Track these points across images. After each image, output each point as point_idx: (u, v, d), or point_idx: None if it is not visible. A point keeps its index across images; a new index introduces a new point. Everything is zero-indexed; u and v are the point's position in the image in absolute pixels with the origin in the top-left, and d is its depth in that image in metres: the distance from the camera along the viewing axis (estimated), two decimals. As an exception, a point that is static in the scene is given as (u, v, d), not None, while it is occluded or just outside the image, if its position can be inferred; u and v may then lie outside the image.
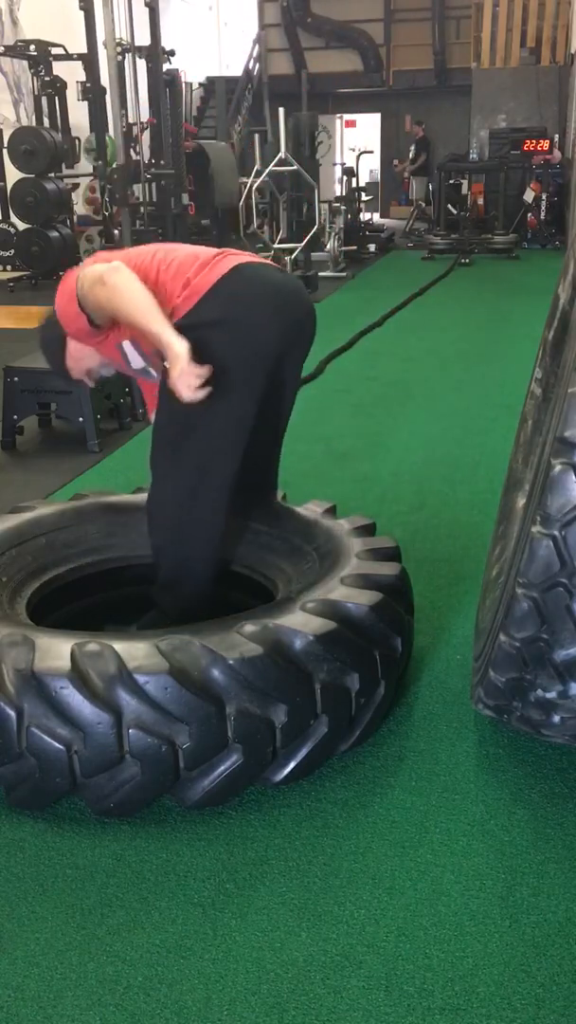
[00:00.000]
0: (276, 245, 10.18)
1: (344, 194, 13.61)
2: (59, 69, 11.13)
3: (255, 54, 18.75)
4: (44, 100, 11.19)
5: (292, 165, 10.43)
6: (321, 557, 2.56)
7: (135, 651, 2.06)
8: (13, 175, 10.55)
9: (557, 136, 15.01)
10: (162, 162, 11.71)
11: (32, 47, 10.99)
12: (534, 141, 14.65)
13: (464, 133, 16.73)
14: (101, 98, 10.89)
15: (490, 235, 13.36)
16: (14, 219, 10.82)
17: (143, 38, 11.36)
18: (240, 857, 1.98)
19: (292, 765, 2.13)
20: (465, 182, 14.69)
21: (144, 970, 1.71)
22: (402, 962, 1.72)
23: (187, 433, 2.40)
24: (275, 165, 10.43)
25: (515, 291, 9.94)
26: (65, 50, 10.99)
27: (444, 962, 1.72)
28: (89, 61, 10.72)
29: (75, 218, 11.86)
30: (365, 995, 1.65)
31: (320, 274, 10.61)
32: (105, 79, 10.58)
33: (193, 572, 2.50)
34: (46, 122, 11.18)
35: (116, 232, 11.10)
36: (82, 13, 10.47)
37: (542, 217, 13.92)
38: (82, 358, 2.57)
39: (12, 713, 1.99)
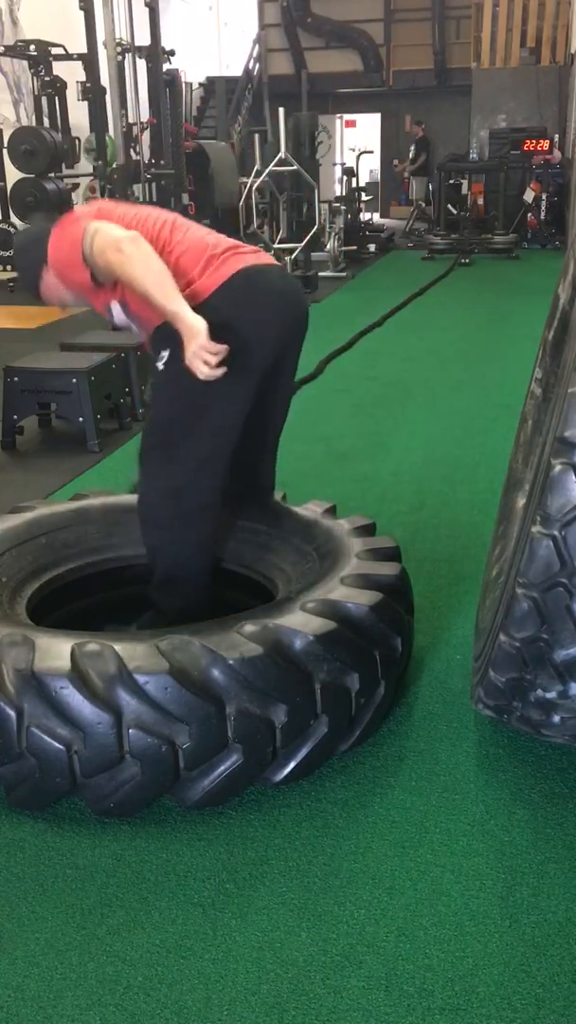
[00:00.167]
0: (276, 245, 10.18)
1: (344, 194, 13.61)
2: (59, 69, 11.13)
3: (255, 54, 18.75)
4: (44, 100, 11.19)
5: (292, 165, 10.42)
6: (321, 557, 2.56)
7: (135, 651, 2.06)
8: (13, 175, 10.56)
9: (557, 136, 15.00)
10: (162, 162, 11.71)
11: (32, 47, 10.98)
12: (534, 141, 14.64)
13: (464, 133, 16.72)
14: (101, 98, 10.89)
15: (490, 235, 13.36)
16: (14, 219, 10.82)
17: (143, 38, 11.36)
18: (240, 857, 1.99)
19: (292, 765, 2.13)
20: (465, 182, 14.68)
21: (144, 970, 1.71)
22: (402, 962, 1.72)
23: (180, 434, 2.41)
24: (275, 165, 10.43)
25: (515, 291, 9.94)
26: (65, 50, 10.99)
27: (444, 962, 1.72)
28: (89, 61, 10.71)
29: (75, 218, 11.83)
30: (365, 995, 1.65)
31: (320, 274, 10.61)
32: (105, 79, 10.59)
33: (188, 571, 2.51)
34: (46, 122, 11.18)
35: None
36: (82, 13, 10.46)
37: (542, 217, 13.91)
38: (59, 291, 2.56)
39: (12, 713, 2.00)
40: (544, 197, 13.86)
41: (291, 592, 2.43)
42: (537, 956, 1.73)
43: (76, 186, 12.16)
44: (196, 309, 2.27)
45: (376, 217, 18.29)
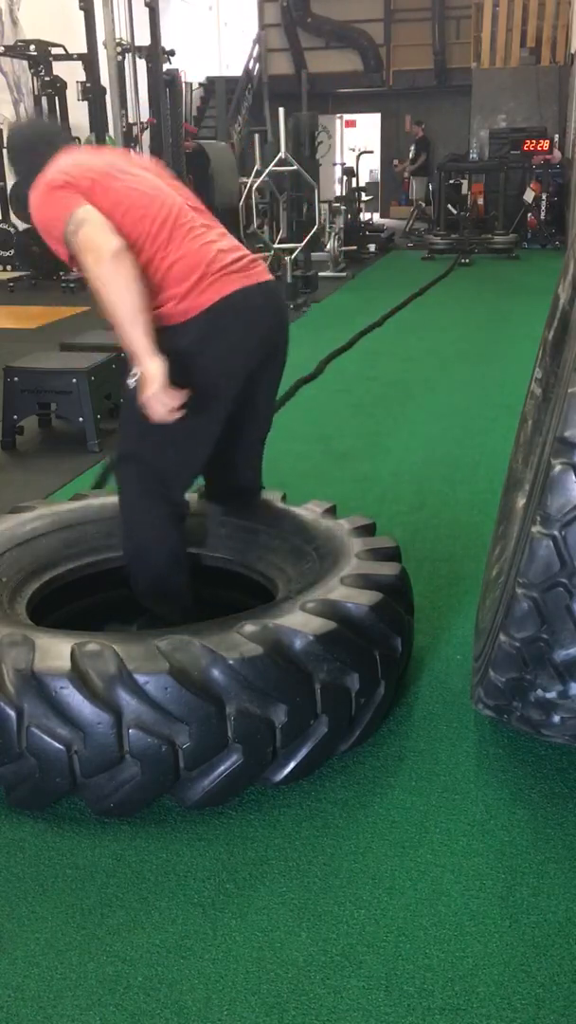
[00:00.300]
0: (276, 245, 10.17)
1: (344, 194, 13.60)
2: (59, 69, 11.13)
3: (255, 54, 18.75)
4: (44, 100, 11.19)
5: (292, 165, 10.41)
6: (321, 557, 2.56)
7: (135, 651, 2.06)
8: (11, 178, 10.54)
9: (557, 136, 15.00)
10: (162, 162, 11.70)
11: (32, 47, 10.98)
12: (534, 141, 14.63)
13: (464, 133, 16.72)
14: (101, 98, 10.89)
15: (490, 235, 13.35)
16: (14, 219, 10.82)
17: (143, 38, 11.36)
18: (240, 857, 1.99)
19: (292, 765, 2.13)
20: (465, 182, 14.68)
21: (144, 970, 1.71)
22: (402, 962, 1.72)
23: (150, 451, 2.43)
24: (275, 165, 10.42)
25: (515, 291, 9.94)
26: (65, 50, 10.98)
27: (444, 962, 1.72)
28: (89, 61, 10.71)
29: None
30: (365, 995, 1.65)
31: (320, 274, 10.61)
32: (105, 79, 10.59)
33: (166, 577, 2.53)
34: (46, 122, 11.17)
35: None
36: (82, 13, 10.47)
37: (542, 217, 13.91)
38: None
39: (12, 713, 2.00)
40: (544, 197, 13.85)
41: (291, 592, 2.43)
42: (537, 956, 1.73)
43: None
44: (174, 328, 2.30)
45: (376, 217, 18.29)
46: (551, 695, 2.03)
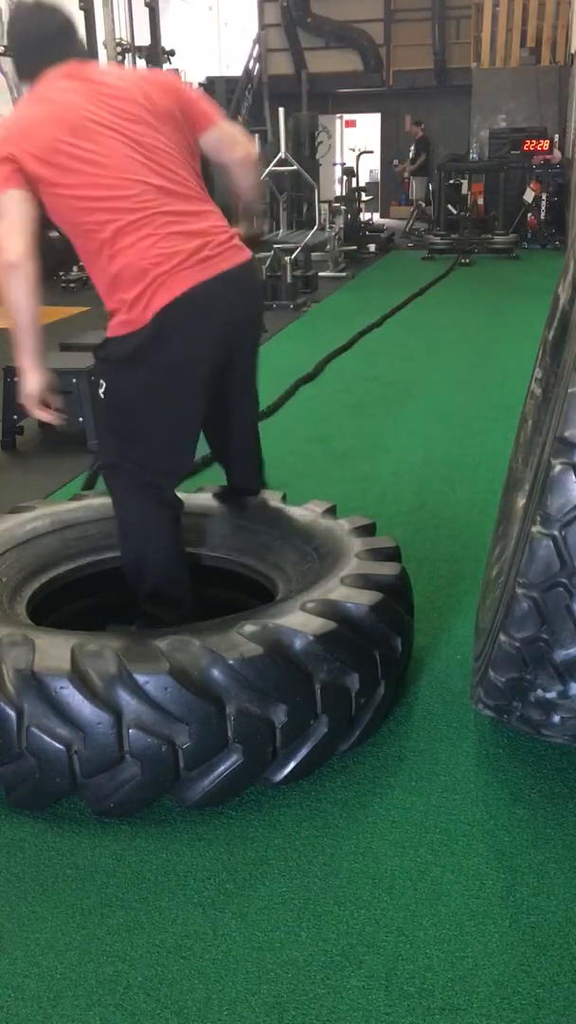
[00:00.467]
0: (276, 245, 10.17)
1: (344, 194, 13.60)
2: (59, 69, 11.11)
3: (255, 54, 18.73)
4: (44, 100, 11.17)
5: (292, 165, 10.43)
6: (321, 557, 2.56)
7: (135, 651, 2.06)
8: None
9: (557, 136, 14.99)
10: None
11: (32, 47, 10.96)
12: (534, 141, 14.63)
13: (464, 133, 16.71)
14: (101, 98, 10.87)
15: (490, 235, 13.35)
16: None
17: (143, 38, 11.35)
18: (240, 857, 1.99)
19: (292, 765, 2.13)
20: (465, 182, 14.68)
21: (144, 970, 1.71)
22: (402, 962, 1.72)
23: (129, 457, 2.43)
24: (275, 165, 10.43)
25: (515, 291, 9.94)
26: (65, 50, 10.96)
27: (444, 962, 1.72)
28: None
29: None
30: (365, 995, 1.65)
31: (320, 274, 10.61)
32: (105, 79, 10.57)
33: (166, 579, 2.51)
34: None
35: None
36: (82, 13, 10.45)
37: (542, 217, 13.90)
38: None
39: (12, 713, 2.00)
40: (544, 197, 13.85)
41: (291, 592, 2.43)
42: (537, 956, 1.73)
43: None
44: (127, 336, 2.27)
45: (376, 217, 18.29)
46: (551, 695, 2.03)
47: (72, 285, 9.95)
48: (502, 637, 2.00)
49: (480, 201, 14.80)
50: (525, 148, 14.60)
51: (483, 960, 1.72)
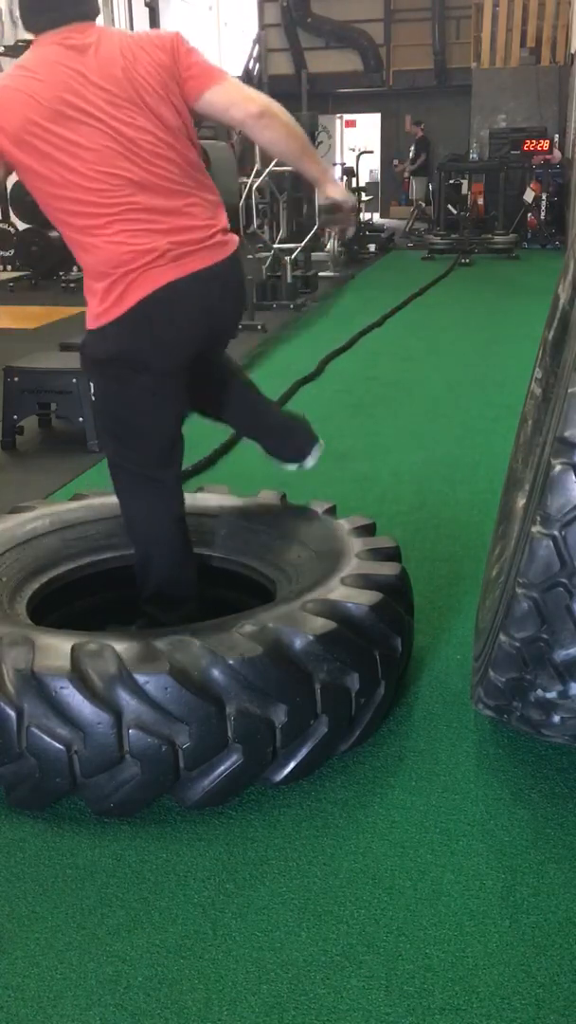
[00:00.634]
0: (276, 245, 10.17)
1: (344, 194, 13.59)
2: (59, 69, 11.11)
3: (255, 54, 18.75)
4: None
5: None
6: (321, 557, 2.56)
7: (135, 651, 2.06)
8: (13, 175, 10.54)
9: (557, 136, 15.01)
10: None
11: (32, 47, 10.97)
12: (534, 141, 14.65)
13: (464, 133, 16.73)
14: (101, 98, 10.86)
15: (490, 235, 13.36)
16: (14, 219, 10.82)
17: (143, 38, 11.33)
18: (240, 857, 1.99)
19: (292, 765, 2.13)
20: (465, 182, 14.70)
21: (144, 970, 1.71)
22: (402, 962, 1.72)
23: (125, 445, 2.45)
24: (275, 165, 10.41)
25: (515, 291, 9.94)
26: (65, 50, 10.97)
27: (444, 962, 1.72)
28: (89, 61, 10.69)
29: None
30: (365, 995, 1.65)
31: (320, 274, 10.61)
32: (105, 79, 10.56)
33: (175, 578, 2.51)
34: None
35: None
36: (82, 13, 10.45)
37: (542, 217, 13.92)
38: None
39: (12, 713, 2.00)
40: (544, 197, 13.86)
41: (291, 592, 2.43)
42: (537, 956, 1.73)
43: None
44: (101, 329, 2.26)
45: (376, 217, 18.30)
46: (551, 695, 2.03)
47: (72, 285, 9.95)
48: (502, 637, 2.00)
49: (480, 201, 14.82)
50: (525, 148, 14.62)
51: (483, 960, 1.72)
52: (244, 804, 2.14)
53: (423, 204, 16.51)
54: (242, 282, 2.46)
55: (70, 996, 1.66)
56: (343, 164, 15.91)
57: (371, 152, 16.60)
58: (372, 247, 13.65)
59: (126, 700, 1.98)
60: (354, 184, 13.86)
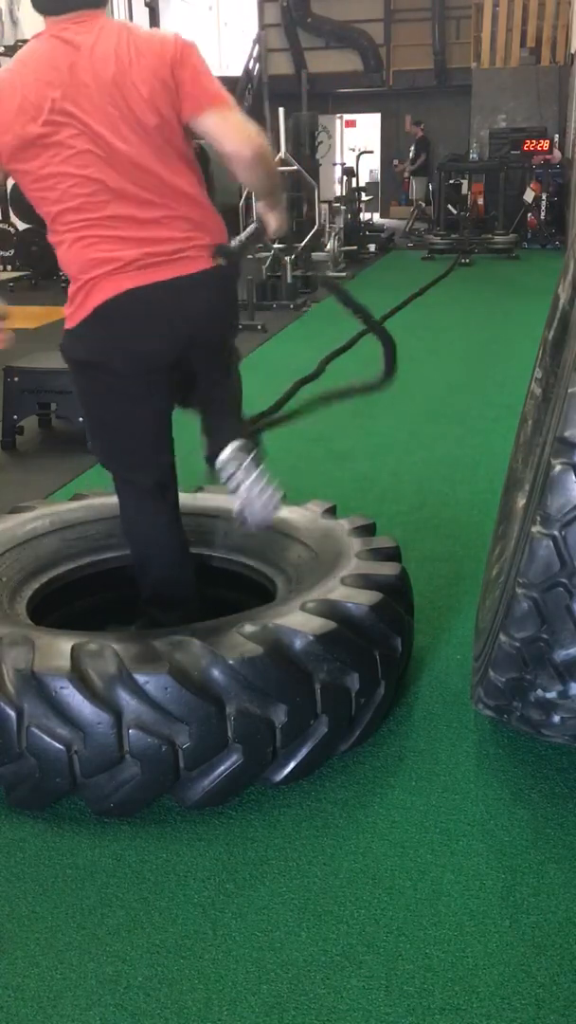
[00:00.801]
0: (276, 245, 10.17)
1: (344, 194, 13.60)
2: (59, 69, 11.10)
3: (255, 54, 18.72)
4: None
5: (292, 165, 10.41)
6: (321, 557, 2.56)
7: (135, 651, 2.06)
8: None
9: (557, 136, 15.00)
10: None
11: (32, 47, 10.95)
12: (534, 141, 14.64)
13: (464, 133, 16.71)
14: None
15: (490, 235, 13.36)
16: (14, 219, 10.81)
17: (143, 38, 11.32)
18: (240, 857, 1.98)
19: (292, 765, 2.13)
20: (465, 182, 14.69)
21: (144, 970, 1.71)
22: (402, 962, 1.72)
23: (109, 452, 2.48)
24: (275, 165, 10.42)
25: (515, 291, 9.94)
26: (65, 50, 10.95)
27: (444, 962, 1.72)
28: (89, 61, 10.68)
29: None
30: (365, 995, 1.65)
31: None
32: (105, 79, 10.55)
33: (171, 578, 2.50)
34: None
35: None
36: (82, 13, 10.44)
37: (542, 217, 13.91)
38: None
39: (12, 713, 2.00)
40: (544, 197, 13.86)
41: (291, 592, 2.43)
42: (537, 956, 1.73)
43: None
44: (72, 329, 2.27)
45: (376, 217, 18.29)
46: (551, 695, 2.03)
47: (72, 285, 9.94)
48: (502, 637, 2.00)
49: (480, 201, 14.81)
50: (525, 148, 14.62)
51: (483, 960, 1.72)
52: (244, 804, 2.14)
53: (423, 204, 16.50)
54: (225, 298, 2.39)
55: (70, 996, 1.66)
56: (343, 164, 15.88)
57: (371, 152, 16.59)
58: (372, 247, 13.64)
59: (126, 700, 1.98)
60: (354, 184, 13.86)
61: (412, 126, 17.79)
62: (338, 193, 14.44)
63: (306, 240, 10.13)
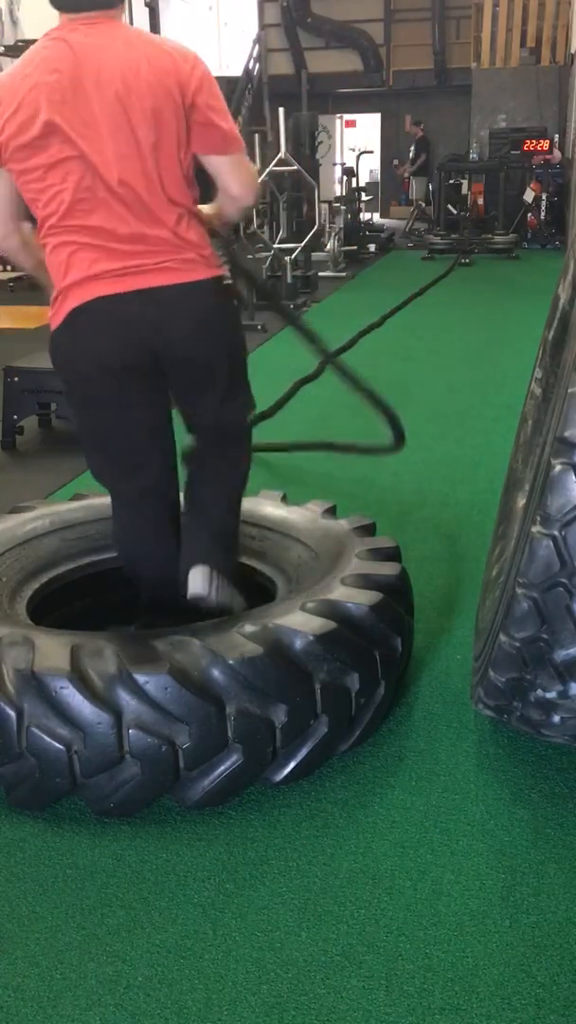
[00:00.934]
0: (276, 245, 10.17)
1: (344, 194, 13.60)
2: (59, 69, 11.09)
3: (255, 54, 18.71)
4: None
5: (292, 165, 10.41)
6: (321, 557, 2.56)
7: (135, 651, 2.06)
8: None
9: (557, 136, 14.99)
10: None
11: (32, 47, 10.96)
12: (534, 141, 14.63)
13: (464, 133, 16.71)
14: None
15: (490, 235, 13.35)
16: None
17: (143, 38, 11.32)
18: (240, 857, 1.98)
19: (292, 765, 2.13)
20: (465, 182, 14.68)
21: (144, 970, 1.71)
22: (402, 962, 1.72)
23: (91, 458, 2.47)
24: (275, 165, 10.41)
25: (515, 291, 9.94)
26: (65, 50, 10.95)
27: (444, 962, 1.72)
28: (89, 61, 10.68)
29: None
30: (365, 995, 1.65)
31: (320, 274, 10.60)
32: (105, 79, 10.55)
33: (154, 585, 2.48)
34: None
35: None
36: (82, 13, 10.44)
37: (542, 217, 13.91)
38: None
39: (12, 713, 2.00)
40: (544, 197, 13.85)
41: (291, 592, 2.43)
42: (537, 956, 1.73)
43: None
44: (53, 332, 2.28)
45: (376, 217, 18.29)
46: (551, 695, 2.03)
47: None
48: (502, 637, 2.00)
49: (480, 201, 14.80)
50: (525, 148, 14.61)
51: (483, 960, 1.72)
52: (244, 804, 2.14)
53: (423, 204, 16.50)
54: (212, 316, 2.31)
55: (70, 996, 1.66)
56: (343, 164, 15.88)
57: (371, 152, 16.58)
58: (372, 247, 13.64)
59: (126, 700, 1.98)
60: (354, 184, 13.86)
61: (412, 126, 17.79)
62: (338, 193, 14.43)
63: (306, 240, 10.13)
